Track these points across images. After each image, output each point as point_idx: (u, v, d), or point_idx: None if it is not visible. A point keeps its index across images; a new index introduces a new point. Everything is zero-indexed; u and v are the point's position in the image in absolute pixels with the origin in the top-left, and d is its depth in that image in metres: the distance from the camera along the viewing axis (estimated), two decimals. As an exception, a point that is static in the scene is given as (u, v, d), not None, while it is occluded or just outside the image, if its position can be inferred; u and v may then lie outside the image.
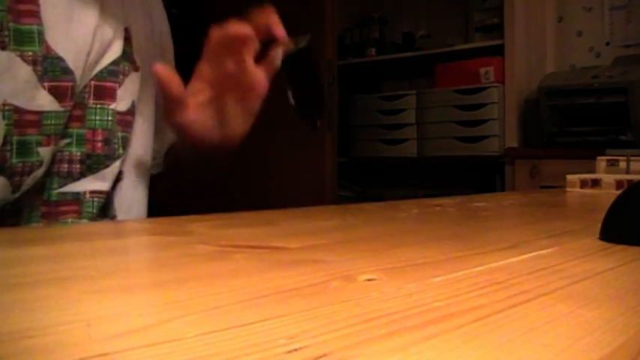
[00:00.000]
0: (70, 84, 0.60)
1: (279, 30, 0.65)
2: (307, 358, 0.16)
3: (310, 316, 0.20)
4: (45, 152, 0.59)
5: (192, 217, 0.53)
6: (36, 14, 0.57)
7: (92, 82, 0.63)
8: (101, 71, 0.64)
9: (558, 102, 2.38)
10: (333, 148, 2.75)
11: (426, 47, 2.92)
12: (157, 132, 0.73)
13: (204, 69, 0.66)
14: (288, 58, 0.65)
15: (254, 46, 0.65)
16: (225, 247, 0.36)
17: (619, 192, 0.43)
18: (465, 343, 0.18)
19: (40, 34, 0.57)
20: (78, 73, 0.60)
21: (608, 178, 0.94)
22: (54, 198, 0.61)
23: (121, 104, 0.66)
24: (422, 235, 0.45)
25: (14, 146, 0.56)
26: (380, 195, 2.89)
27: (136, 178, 0.68)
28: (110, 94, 0.64)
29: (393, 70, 3.23)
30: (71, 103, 0.60)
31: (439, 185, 2.96)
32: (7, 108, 0.55)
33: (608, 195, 0.80)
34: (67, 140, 0.61)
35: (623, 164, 1.04)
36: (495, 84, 2.62)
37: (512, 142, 2.56)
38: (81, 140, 0.62)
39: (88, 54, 0.62)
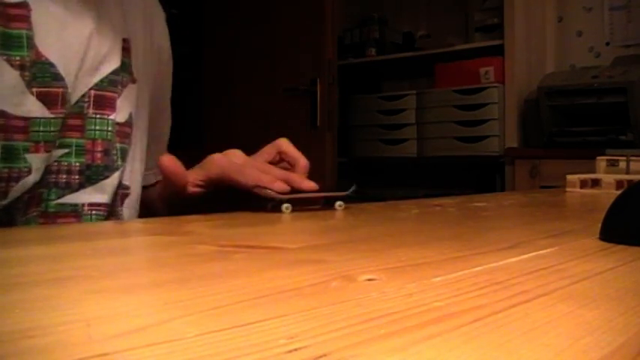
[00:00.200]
0: (60, 90, 0.59)
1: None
2: (307, 358, 0.16)
3: (310, 316, 0.20)
4: (34, 159, 0.58)
5: (192, 217, 0.53)
6: (26, 19, 0.57)
7: (92, 92, 0.62)
8: (102, 80, 0.63)
9: (558, 102, 2.38)
10: (333, 148, 2.75)
11: (426, 47, 2.92)
12: (148, 146, 0.73)
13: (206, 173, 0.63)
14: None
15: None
16: (225, 247, 0.36)
17: (619, 192, 0.43)
18: (465, 343, 0.18)
19: (30, 38, 0.57)
20: (70, 80, 0.60)
21: (608, 178, 0.94)
22: (52, 209, 0.60)
23: (120, 115, 0.65)
24: (422, 235, 0.45)
25: None
26: (380, 195, 2.89)
27: (137, 192, 0.68)
28: (110, 105, 0.64)
29: (393, 70, 3.23)
30: (62, 110, 0.59)
31: (439, 185, 2.96)
32: None
33: (608, 195, 0.80)
34: (66, 150, 0.61)
35: (623, 164, 1.04)
36: (495, 84, 2.62)
37: (512, 142, 2.56)
38: (80, 151, 0.61)
39: (82, 61, 0.61)
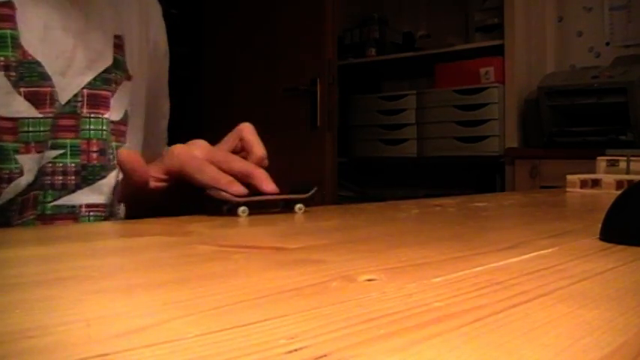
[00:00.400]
0: (48, 89, 0.58)
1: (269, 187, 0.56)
2: (307, 358, 0.16)
3: (310, 316, 0.20)
4: (25, 160, 0.57)
5: (192, 217, 0.53)
6: (11, 18, 0.56)
7: (85, 91, 0.61)
8: (94, 79, 0.62)
9: (558, 102, 2.38)
10: (333, 148, 2.75)
11: (426, 47, 2.92)
12: (145, 143, 0.72)
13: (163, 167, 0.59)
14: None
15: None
16: (225, 247, 0.36)
17: (619, 192, 0.43)
18: (465, 343, 0.18)
19: (15, 38, 0.56)
20: (58, 79, 0.59)
21: (608, 178, 0.94)
22: (49, 212, 0.59)
23: (115, 113, 0.64)
24: (422, 235, 0.45)
25: None
26: (380, 195, 2.89)
27: None
28: (104, 103, 0.63)
29: (393, 70, 3.23)
30: (52, 110, 0.59)
31: (439, 185, 2.96)
32: None
33: (608, 195, 0.80)
34: (61, 151, 0.60)
35: (623, 164, 1.04)
36: (495, 84, 2.62)
37: (512, 142, 2.56)
38: (75, 151, 0.61)
39: (71, 59, 0.60)
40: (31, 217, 0.59)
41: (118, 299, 0.23)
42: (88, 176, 0.61)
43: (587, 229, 0.45)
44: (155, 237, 0.43)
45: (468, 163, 2.79)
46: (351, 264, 0.30)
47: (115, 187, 0.64)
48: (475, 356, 0.17)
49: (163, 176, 0.57)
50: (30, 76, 0.57)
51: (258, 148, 0.60)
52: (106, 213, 0.63)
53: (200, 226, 0.48)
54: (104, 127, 0.63)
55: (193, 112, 3.05)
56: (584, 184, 0.96)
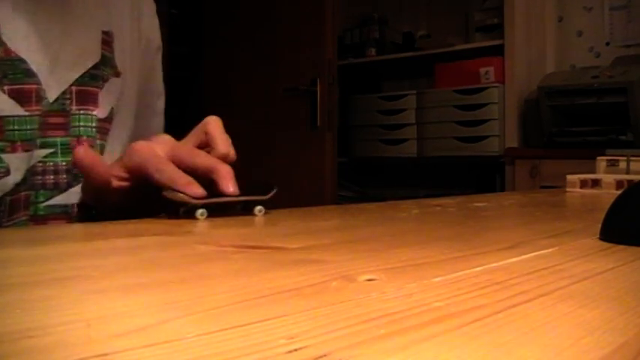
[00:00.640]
0: (34, 87, 0.57)
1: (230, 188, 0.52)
2: (307, 358, 0.16)
3: (310, 316, 0.20)
4: (12, 159, 0.56)
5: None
6: None
7: (73, 88, 0.60)
8: (82, 76, 0.61)
9: (558, 102, 2.38)
10: (333, 148, 2.75)
11: (426, 47, 2.92)
12: (134, 140, 0.70)
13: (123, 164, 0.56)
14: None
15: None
16: (225, 247, 0.36)
17: (619, 192, 0.43)
18: (465, 343, 0.18)
19: None
20: (45, 76, 0.58)
21: (608, 178, 0.94)
22: (41, 212, 0.58)
23: (102, 111, 0.63)
24: (422, 235, 0.45)
25: None
26: (380, 195, 2.89)
27: None
28: (93, 100, 0.62)
29: (393, 70, 3.23)
30: (39, 108, 0.57)
31: (439, 185, 2.96)
32: None
33: (608, 195, 0.80)
34: (51, 150, 0.59)
35: (623, 164, 1.04)
36: (495, 84, 2.62)
37: (512, 142, 2.56)
38: (66, 149, 0.59)
39: (56, 56, 0.59)
40: (24, 217, 0.58)
41: (118, 299, 0.23)
42: (79, 174, 0.59)
43: (587, 229, 0.45)
44: (155, 237, 0.43)
45: (468, 163, 2.79)
46: (351, 264, 0.30)
47: None
48: (475, 356, 0.17)
49: (125, 175, 0.54)
50: (14, 74, 0.56)
51: (222, 144, 0.56)
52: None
53: (200, 226, 0.48)
54: (93, 124, 0.62)
55: (193, 112, 3.04)
56: (584, 184, 0.96)
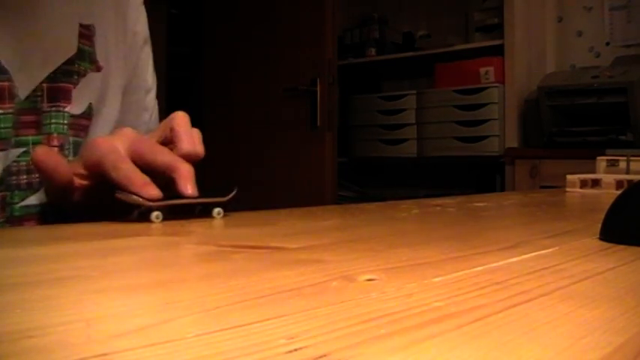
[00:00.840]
0: (6, 84, 0.55)
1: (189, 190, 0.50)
2: (307, 358, 0.16)
3: (310, 316, 0.20)
4: None
5: (193, 217, 0.53)
6: None
7: (44, 85, 0.59)
8: (54, 72, 0.59)
9: (558, 102, 2.38)
10: (333, 148, 2.75)
11: (426, 47, 2.92)
12: None
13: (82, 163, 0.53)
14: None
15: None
16: (224, 247, 0.36)
17: (619, 192, 0.43)
18: (465, 343, 0.18)
19: None
20: (16, 73, 0.56)
21: (608, 178, 0.94)
22: (17, 213, 0.57)
23: (76, 107, 0.61)
24: (422, 235, 0.45)
25: None
26: (380, 195, 2.89)
27: None
28: (65, 96, 0.60)
29: (393, 70, 3.23)
30: (11, 105, 0.56)
31: (439, 185, 2.96)
32: None
33: (608, 195, 0.80)
34: (23, 149, 0.57)
35: (623, 164, 1.04)
36: (495, 84, 2.62)
37: (512, 142, 2.56)
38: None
39: (27, 52, 0.57)
40: (1, 220, 0.56)
41: (118, 299, 0.23)
42: None
43: (587, 229, 0.45)
44: (155, 237, 0.43)
45: (468, 163, 2.79)
46: (351, 264, 0.30)
47: None
48: (475, 356, 0.17)
49: (84, 172, 0.51)
50: None
51: (186, 142, 0.52)
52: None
53: (200, 226, 0.48)
54: (65, 121, 0.60)
55: (193, 112, 3.04)
56: (584, 184, 0.96)
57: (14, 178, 0.57)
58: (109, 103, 0.66)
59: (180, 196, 0.49)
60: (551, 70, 2.71)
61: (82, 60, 0.62)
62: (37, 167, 0.50)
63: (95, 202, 0.52)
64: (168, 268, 0.31)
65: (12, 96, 0.56)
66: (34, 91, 0.58)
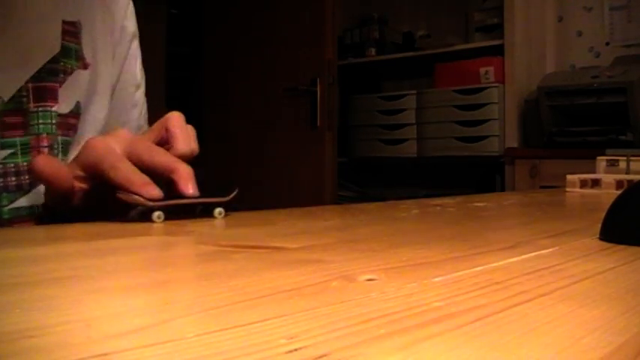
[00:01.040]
0: None
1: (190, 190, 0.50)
2: (307, 358, 0.16)
3: (310, 316, 0.20)
4: None
5: (192, 217, 0.53)
6: None
7: (30, 85, 0.58)
8: (38, 71, 0.59)
9: (558, 102, 2.38)
10: (333, 148, 2.75)
11: (426, 47, 2.92)
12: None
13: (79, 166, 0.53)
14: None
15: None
16: (225, 247, 0.36)
17: (619, 192, 0.43)
18: (465, 343, 0.18)
19: None
20: None
21: (608, 178, 0.94)
22: (6, 216, 0.56)
23: (63, 106, 0.60)
24: (422, 235, 0.45)
25: None
26: (380, 195, 2.89)
27: None
28: (52, 95, 0.59)
29: (393, 70, 3.23)
30: None
31: (439, 185, 2.96)
32: None
33: (608, 195, 0.80)
34: (10, 151, 0.56)
35: (623, 164, 1.04)
36: (495, 84, 2.62)
37: (512, 142, 2.56)
38: (26, 149, 0.57)
39: (8, 52, 0.57)
40: None
41: (118, 299, 0.23)
42: None
43: (587, 229, 0.45)
44: (155, 237, 0.43)
45: (468, 163, 2.79)
46: (351, 264, 0.30)
47: None
48: (475, 356, 0.17)
49: (82, 174, 0.51)
50: None
51: (182, 143, 0.52)
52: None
53: (200, 226, 0.48)
54: (53, 121, 0.59)
55: (193, 112, 3.05)
56: (584, 184, 0.96)
57: (1, 180, 0.56)
58: (98, 100, 0.65)
59: (181, 196, 0.49)
60: (551, 70, 2.71)
61: (68, 58, 0.61)
62: (37, 177, 0.49)
63: (93, 204, 0.52)
64: (168, 268, 0.31)
65: None
66: (19, 91, 0.57)
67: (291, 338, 0.18)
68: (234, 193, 0.51)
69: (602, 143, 2.13)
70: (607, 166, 1.06)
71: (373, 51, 3.08)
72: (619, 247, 0.36)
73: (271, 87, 2.86)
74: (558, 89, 2.37)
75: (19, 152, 0.57)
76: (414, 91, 2.89)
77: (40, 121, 0.58)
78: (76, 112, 0.62)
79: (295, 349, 0.17)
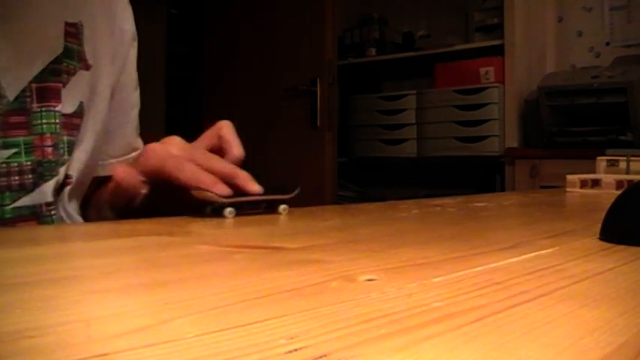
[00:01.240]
0: None
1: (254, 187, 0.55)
2: (307, 358, 0.16)
3: (310, 316, 0.20)
4: None
5: (192, 217, 0.53)
6: None
7: (33, 85, 0.58)
8: (42, 72, 0.59)
9: (558, 102, 2.38)
10: (333, 148, 2.75)
11: (426, 47, 2.92)
12: (110, 133, 0.69)
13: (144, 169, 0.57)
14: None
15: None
16: (225, 247, 0.36)
17: (619, 192, 0.43)
18: (465, 343, 0.18)
19: None
20: (1, 74, 0.56)
21: (608, 178, 0.94)
22: (9, 215, 0.56)
23: (67, 106, 0.61)
24: (422, 235, 0.45)
25: None
26: (380, 195, 2.89)
27: (76, 183, 0.63)
28: (55, 96, 0.60)
29: (393, 70, 3.23)
30: None
31: (439, 185, 2.96)
32: None
33: (608, 195, 0.80)
34: (14, 150, 0.57)
35: (623, 164, 1.04)
36: (495, 84, 2.62)
37: (512, 142, 2.56)
38: (29, 148, 0.57)
39: (12, 53, 0.57)
40: None
41: (118, 299, 0.23)
42: (44, 173, 0.58)
43: (587, 229, 0.45)
44: (155, 237, 0.43)
45: (468, 163, 2.79)
46: (351, 264, 0.30)
47: (65, 179, 0.61)
48: (475, 356, 0.17)
49: (142, 178, 0.55)
50: None
51: (237, 149, 0.58)
52: (54, 211, 0.59)
53: (200, 226, 0.48)
54: (57, 121, 0.59)
55: (193, 112, 3.05)
56: (584, 184, 0.96)
57: (4, 179, 0.56)
58: (99, 100, 0.66)
59: (247, 194, 0.53)
60: (551, 70, 2.71)
61: (70, 58, 0.62)
62: (119, 185, 0.54)
63: (147, 207, 0.55)
64: (168, 268, 0.31)
65: (0, 97, 0.56)
66: (23, 91, 0.58)
67: (291, 338, 0.18)
68: (297, 190, 0.56)
69: (602, 143, 2.13)
70: (607, 166, 1.06)
71: (373, 51, 3.08)
72: (619, 247, 0.36)
73: (271, 87, 2.86)
74: (558, 89, 2.37)
75: (22, 152, 0.57)
76: (414, 91, 2.89)
77: (44, 120, 0.59)
78: (80, 113, 0.63)
79: (295, 349, 0.17)
